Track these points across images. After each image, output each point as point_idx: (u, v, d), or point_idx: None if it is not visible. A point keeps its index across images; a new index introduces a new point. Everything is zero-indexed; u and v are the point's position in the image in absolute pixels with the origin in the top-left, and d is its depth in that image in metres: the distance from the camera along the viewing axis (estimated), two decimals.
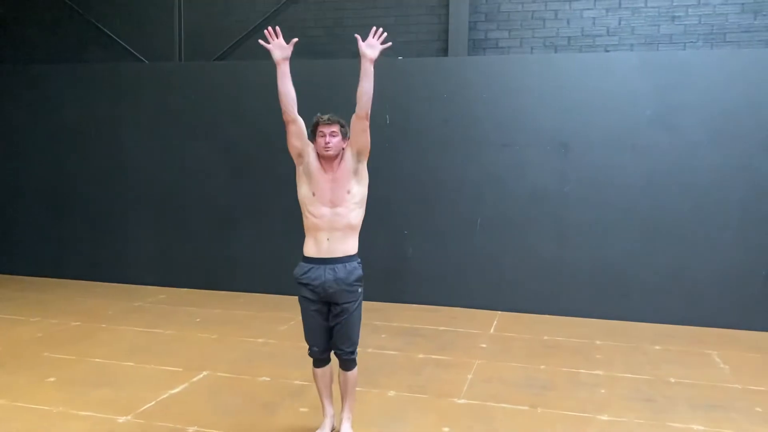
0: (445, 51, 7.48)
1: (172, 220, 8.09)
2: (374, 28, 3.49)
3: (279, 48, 3.53)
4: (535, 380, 4.87)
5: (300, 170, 3.56)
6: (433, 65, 7.25)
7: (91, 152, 8.32)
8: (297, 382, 4.74)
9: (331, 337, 3.63)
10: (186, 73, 8.07)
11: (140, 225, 8.20)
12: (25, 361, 5.15)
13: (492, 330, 6.31)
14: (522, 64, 7.02)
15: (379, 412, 4.20)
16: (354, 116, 3.47)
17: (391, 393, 4.55)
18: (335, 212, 3.49)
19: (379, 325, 6.38)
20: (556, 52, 7.23)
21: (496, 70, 7.05)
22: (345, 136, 3.53)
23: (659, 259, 6.64)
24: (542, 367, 5.19)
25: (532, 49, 7.33)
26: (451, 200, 7.17)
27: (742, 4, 6.73)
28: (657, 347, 5.80)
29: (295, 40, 3.51)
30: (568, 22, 7.19)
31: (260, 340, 5.86)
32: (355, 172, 3.52)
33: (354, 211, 3.54)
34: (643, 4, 6.98)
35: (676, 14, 6.91)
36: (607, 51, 7.07)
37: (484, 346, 5.76)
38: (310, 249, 3.56)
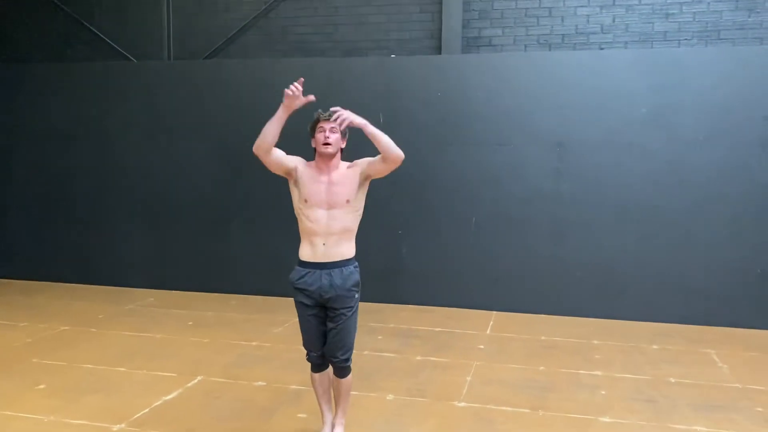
0: (438, 49, 7.42)
1: (162, 221, 7.96)
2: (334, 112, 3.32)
3: (297, 99, 3.32)
4: (534, 382, 4.82)
5: (291, 183, 3.49)
6: (427, 63, 7.18)
7: (78, 153, 8.17)
8: (293, 386, 4.66)
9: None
10: (175, 72, 7.94)
11: (129, 226, 8.06)
12: (14, 367, 5.02)
13: (488, 330, 6.26)
14: (516, 62, 6.96)
15: (379, 417, 4.13)
16: (382, 158, 3.36)
17: (390, 397, 4.48)
18: (331, 215, 3.40)
19: (375, 326, 6.31)
20: (550, 50, 7.19)
21: (490, 68, 6.99)
22: (344, 135, 3.45)
23: (655, 258, 6.62)
24: (541, 368, 5.14)
25: (525, 47, 7.28)
26: (445, 199, 7.10)
27: (736, 1, 6.72)
28: (655, 347, 5.78)
29: (312, 98, 3.33)
30: (562, 20, 7.15)
31: (254, 343, 5.76)
32: (360, 186, 3.45)
33: (351, 214, 3.46)
34: (636, 2, 6.95)
35: (671, 11, 6.88)
36: (602, 49, 7.04)
37: (481, 347, 5.71)
38: (305, 253, 3.47)
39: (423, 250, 7.17)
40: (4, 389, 4.54)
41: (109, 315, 6.71)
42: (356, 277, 3.48)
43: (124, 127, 8.02)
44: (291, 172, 3.45)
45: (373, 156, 3.42)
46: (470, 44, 7.39)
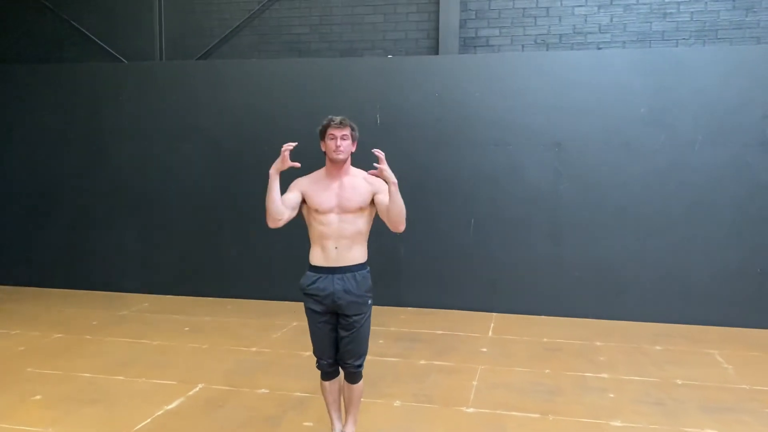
0: (435, 49, 7.35)
1: (156, 224, 7.83)
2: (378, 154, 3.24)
3: (287, 162, 3.25)
4: (541, 385, 4.76)
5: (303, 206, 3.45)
6: (424, 64, 7.12)
7: (70, 155, 8.01)
8: (297, 393, 4.57)
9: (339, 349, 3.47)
10: (167, 73, 7.80)
11: (122, 229, 7.91)
12: (8, 377, 4.88)
13: (490, 333, 6.20)
14: (514, 62, 6.91)
15: (387, 424, 4.06)
16: (387, 214, 3.30)
17: (397, 403, 4.41)
18: (343, 219, 3.34)
19: (376, 329, 6.14)
20: (547, 49, 7.15)
21: (488, 68, 6.93)
22: (355, 140, 3.38)
23: (654, 258, 6.60)
24: (546, 371, 5.09)
25: (523, 46, 7.23)
26: (443, 200, 7.04)
27: (734, 0, 6.72)
28: (658, 347, 5.75)
29: (297, 165, 3.25)
30: (559, 20, 7.11)
31: (253, 349, 5.66)
32: (370, 202, 3.39)
33: (362, 218, 3.40)
34: (634, 1, 6.92)
35: (668, 11, 6.87)
36: (600, 48, 7.01)
37: (484, 350, 5.65)
38: (317, 257, 3.40)
39: (421, 252, 7.10)
40: None
41: (103, 321, 6.56)
42: (369, 282, 3.42)
43: (117, 128, 7.87)
44: (302, 201, 3.41)
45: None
46: (467, 44, 7.34)
